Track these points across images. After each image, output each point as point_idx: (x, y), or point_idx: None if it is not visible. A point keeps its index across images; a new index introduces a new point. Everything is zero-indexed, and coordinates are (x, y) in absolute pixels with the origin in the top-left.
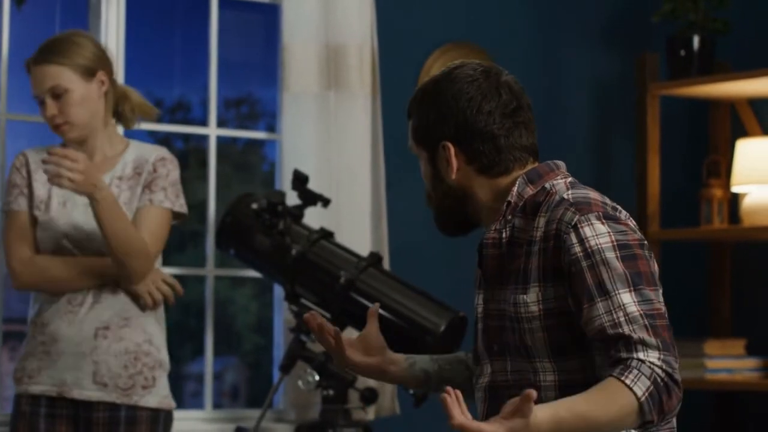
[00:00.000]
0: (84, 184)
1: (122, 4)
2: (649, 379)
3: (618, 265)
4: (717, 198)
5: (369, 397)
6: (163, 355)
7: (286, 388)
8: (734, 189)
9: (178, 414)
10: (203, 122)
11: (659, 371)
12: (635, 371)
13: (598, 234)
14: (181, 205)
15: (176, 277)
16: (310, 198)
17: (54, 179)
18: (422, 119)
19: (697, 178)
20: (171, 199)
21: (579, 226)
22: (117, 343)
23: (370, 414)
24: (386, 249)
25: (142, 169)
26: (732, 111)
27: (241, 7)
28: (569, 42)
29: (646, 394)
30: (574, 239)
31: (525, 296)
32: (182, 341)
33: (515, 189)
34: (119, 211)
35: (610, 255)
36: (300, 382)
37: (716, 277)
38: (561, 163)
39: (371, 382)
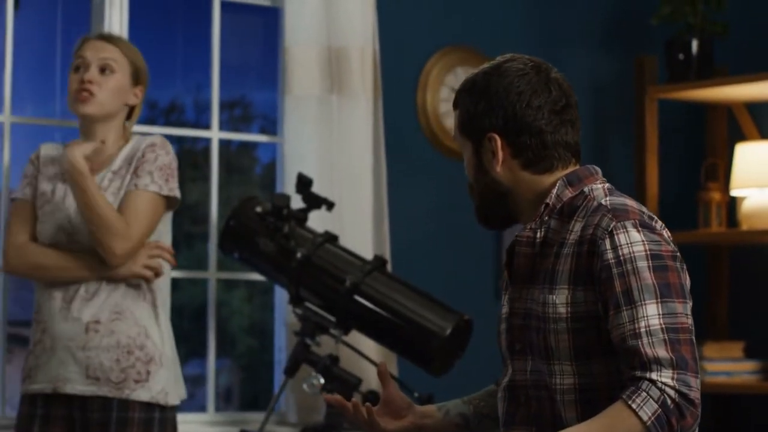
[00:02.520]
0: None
1: (125, 6)
2: (656, 402)
3: (648, 276)
4: (715, 201)
5: (372, 400)
6: (163, 349)
7: (288, 391)
8: (733, 192)
9: (179, 417)
10: (196, 124)
11: (670, 392)
12: (643, 394)
13: (633, 242)
14: (170, 189)
15: (177, 279)
16: (315, 201)
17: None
18: (470, 109)
19: (695, 182)
20: (158, 183)
21: (615, 232)
22: (108, 337)
23: None
24: (388, 252)
25: (133, 158)
26: (729, 114)
27: (240, 10)
28: (568, 45)
29: (653, 418)
30: (608, 245)
31: (553, 296)
32: (177, 343)
33: (554, 191)
34: (92, 186)
35: (642, 264)
36: (305, 386)
37: (714, 280)
38: (598, 169)
39: (374, 385)
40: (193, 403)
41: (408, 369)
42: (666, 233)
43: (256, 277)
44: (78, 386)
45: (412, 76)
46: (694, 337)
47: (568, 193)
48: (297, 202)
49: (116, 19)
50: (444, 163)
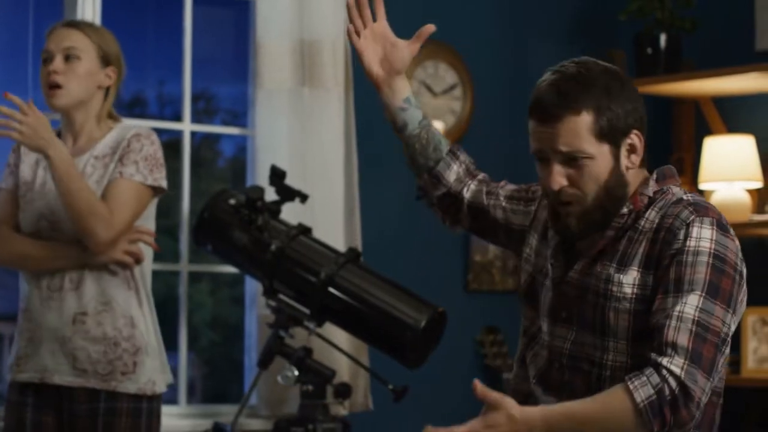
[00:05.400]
0: (32, 137)
1: None
2: (653, 387)
3: (703, 270)
4: None
5: (343, 391)
6: (149, 339)
7: (259, 384)
8: (701, 186)
9: None
10: (159, 117)
11: (672, 382)
12: (643, 378)
13: (702, 237)
14: (155, 179)
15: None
16: (288, 193)
17: (2, 132)
18: (615, 111)
19: None
20: (143, 173)
21: (691, 225)
22: (96, 329)
23: (344, 409)
24: (359, 244)
25: (118, 146)
26: (696, 109)
27: (211, 3)
28: (536, 39)
29: (646, 402)
30: (681, 235)
31: (621, 276)
32: None
33: (651, 183)
34: (74, 172)
35: (702, 259)
36: (279, 378)
37: None
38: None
39: (345, 377)
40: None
41: (382, 361)
42: (736, 243)
43: (224, 269)
44: (66, 377)
45: None
46: (725, 349)
47: (656, 187)
48: (269, 195)
49: (89, 8)
50: None
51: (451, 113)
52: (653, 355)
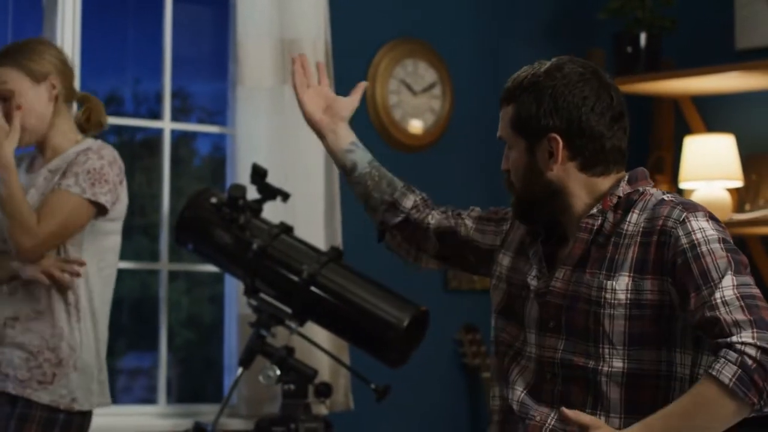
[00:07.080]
0: None
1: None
2: (735, 363)
3: (722, 253)
4: None
5: (324, 391)
6: (80, 355)
7: (240, 383)
8: (682, 185)
9: (131, 409)
10: (135, 115)
11: (750, 351)
12: (722, 360)
13: (704, 228)
14: (94, 194)
15: (127, 270)
16: (270, 192)
17: None
18: (529, 108)
19: None
20: (81, 185)
21: (687, 221)
22: (23, 335)
23: (325, 409)
24: (340, 243)
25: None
26: (676, 108)
27: (190, 1)
28: (516, 37)
29: (734, 379)
30: (681, 232)
31: (613, 283)
32: (116, 336)
33: (621, 187)
34: (13, 180)
35: (715, 246)
36: (261, 377)
37: None
38: (648, 172)
39: (326, 377)
40: (131, 395)
41: (363, 360)
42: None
43: (201, 268)
44: None
45: (361, 68)
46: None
47: (627, 189)
48: (250, 193)
49: (69, 7)
50: (393, 155)
51: (431, 112)
52: (720, 340)
